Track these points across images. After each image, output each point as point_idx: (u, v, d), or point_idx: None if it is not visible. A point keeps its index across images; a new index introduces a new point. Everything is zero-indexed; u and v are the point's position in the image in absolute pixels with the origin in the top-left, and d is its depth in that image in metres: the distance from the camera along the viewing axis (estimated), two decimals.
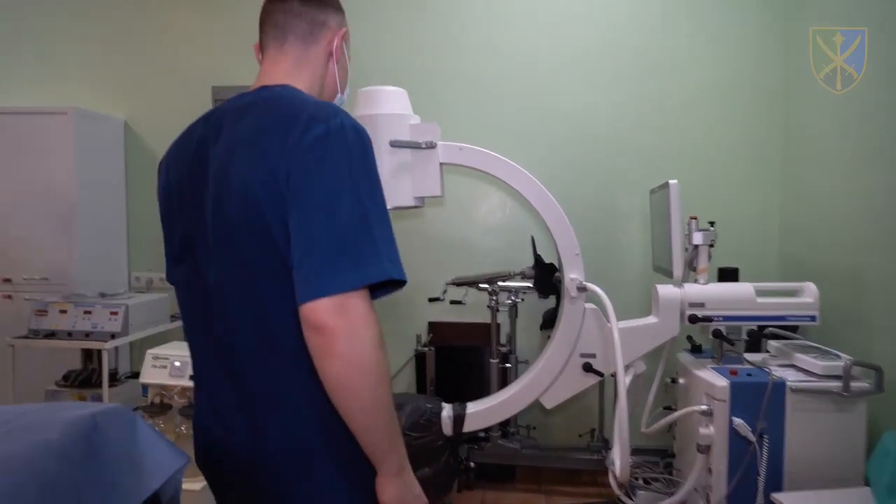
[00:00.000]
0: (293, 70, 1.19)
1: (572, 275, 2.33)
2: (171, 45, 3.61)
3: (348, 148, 1.02)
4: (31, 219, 3.27)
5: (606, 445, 2.95)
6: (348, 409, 1.00)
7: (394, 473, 1.05)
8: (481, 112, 3.40)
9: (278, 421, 1.06)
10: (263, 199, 1.00)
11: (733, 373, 2.21)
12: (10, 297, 3.31)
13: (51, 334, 2.77)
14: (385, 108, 2.28)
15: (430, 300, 3.08)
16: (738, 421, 2.11)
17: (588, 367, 2.38)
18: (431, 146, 2.28)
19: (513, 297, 2.99)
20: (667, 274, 2.52)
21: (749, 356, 2.38)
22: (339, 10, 1.28)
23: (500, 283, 2.95)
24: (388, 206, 2.23)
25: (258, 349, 1.06)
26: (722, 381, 2.16)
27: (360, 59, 3.42)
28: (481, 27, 3.40)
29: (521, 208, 3.39)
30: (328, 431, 1.05)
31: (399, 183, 2.28)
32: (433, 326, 3.42)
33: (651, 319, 2.41)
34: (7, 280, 3.30)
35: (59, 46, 3.67)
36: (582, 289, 2.30)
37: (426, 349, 3.15)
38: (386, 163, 2.25)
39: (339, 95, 1.30)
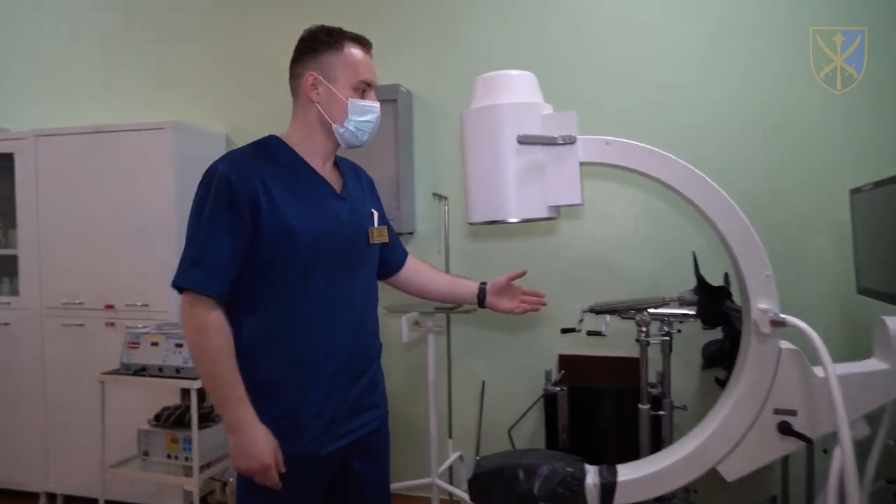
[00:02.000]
0: (291, 122, 1.53)
1: (763, 304, 1.74)
2: (269, 54, 3.36)
3: (203, 188, 1.40)
4: (132, 240, 3.09)
5: None
6: None
7: (228, 430, 1.36)
8: (630, 103, 2.86)
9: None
10: None
11: None
12: (112, 324, 3.15)
13: (142, 369, 2.52)
14: (508, 97, 1.79)
15: (564, 331, 2.57)
16: None
17: (786, 429, 1.77)
18: (570, 141, 1.77)
19: (666, 328, 2.42)
20: (888, 299, 1.87)
21: None
22: (312, 52, 1.47)
23: (651, 311, 2.39)
24: (514, 219, 1.77)
25: None
26: None
27: (480, 44, 3.06)
28: None
29: (680, 217, 2.79)
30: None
31: (528, 189, 1.78)
32: (565, 361, 2.89)
33: (876, 364, 1.77)
34: (110, 307, 3.14)
35: (160, 60, 3.54)
36: (778, 323, 1.72)
37: (558, 389, 2.64)
38: (512, 165, 1.78)
39: (334, 126, 1.47)
